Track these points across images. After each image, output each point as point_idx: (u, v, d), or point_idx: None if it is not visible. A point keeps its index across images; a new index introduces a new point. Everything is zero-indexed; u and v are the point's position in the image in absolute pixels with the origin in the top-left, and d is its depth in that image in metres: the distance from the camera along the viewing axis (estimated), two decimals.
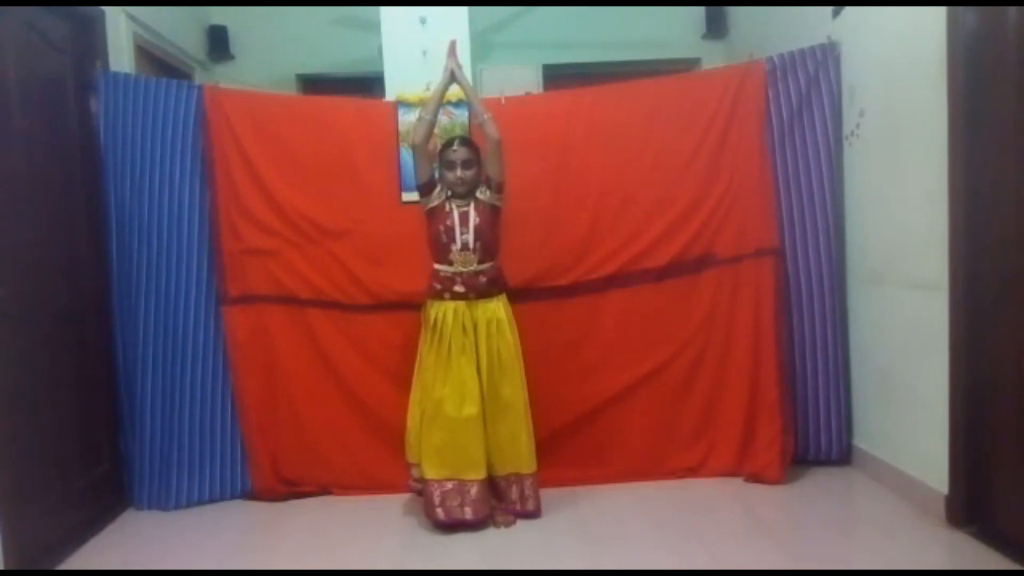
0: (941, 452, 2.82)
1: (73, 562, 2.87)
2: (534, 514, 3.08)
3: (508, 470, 3.07)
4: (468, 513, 2.96)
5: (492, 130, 3.02)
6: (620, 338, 3.52)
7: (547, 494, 3.16)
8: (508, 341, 3.04)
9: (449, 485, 2.97)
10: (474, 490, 2.97)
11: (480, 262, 3.03)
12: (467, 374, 2.97)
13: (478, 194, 3.07)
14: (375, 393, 3.45)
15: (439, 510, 2.96)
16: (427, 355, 3.05)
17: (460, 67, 3.14)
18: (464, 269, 3.01)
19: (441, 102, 3.16)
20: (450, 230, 3.01)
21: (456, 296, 3.01)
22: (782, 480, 3.32)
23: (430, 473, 2.98)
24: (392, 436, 3.31)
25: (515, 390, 3.04)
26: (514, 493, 3.08)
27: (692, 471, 3.48)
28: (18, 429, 2.71)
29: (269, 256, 3.45)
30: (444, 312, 3.00)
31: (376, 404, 3.45)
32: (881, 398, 3.31)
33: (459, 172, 3.03)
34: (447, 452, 2.96)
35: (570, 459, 3.45)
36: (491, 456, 3.04)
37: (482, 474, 2.99)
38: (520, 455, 3.06)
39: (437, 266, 3.06)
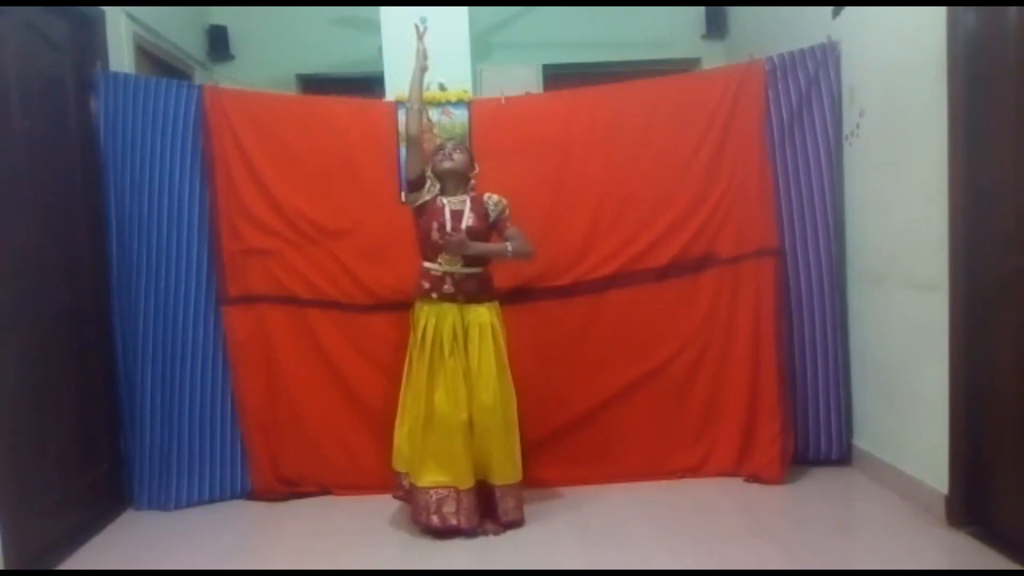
0: (941, 452, 2.82)
1: (73, 562, 2.87)
2: (516, 523, 3.00)
3: (494, 479, 2.99)
4: (462, 521, 2.91)
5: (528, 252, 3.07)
6: (620, 338, 3.52)
7: (547, 494, 3.16)
8: (496, 348, 2.97)
9: (444, 491, 2.92)
10: (466, 499, 2.92)
11: (471, 264, 2.98)
12: (459, 379, 2.91)
13: (485, 198, 3.04)
14: (375, 393, 3.45)
15: (434, 516, 2.91)
16: (417, 359, 2.98)
17: (426, 55, 3.08)
18: (454, 269, 2.95)
19: (422, 87, 3.08)
20: (443, 227, 2.94)
21: (445, 297, 2.95)
22: (782, 480, 3.32)
23: (425, 480, 2.93)
24: (392, 436, 3.30)
25: (501, 398, 2.95)
26: (498, 502, 2.99)
27: (692, 471, 3.48)
28: (18, 429, 2.71)
29: (269, 256, 3.45)
30: (435, 315, 2.94)
31: (376, 404, 3.44)
32: (881, 398, 3.30)
33: (450, 153, 3.01)
34: (444, 457, 2.92)
35: (570, 459, 3.45)
36: (478, 464, 2.97)
37: (471, 483, 2.93)
38: (504, 465, 2.97)
39: (427, 264, 3.00)
